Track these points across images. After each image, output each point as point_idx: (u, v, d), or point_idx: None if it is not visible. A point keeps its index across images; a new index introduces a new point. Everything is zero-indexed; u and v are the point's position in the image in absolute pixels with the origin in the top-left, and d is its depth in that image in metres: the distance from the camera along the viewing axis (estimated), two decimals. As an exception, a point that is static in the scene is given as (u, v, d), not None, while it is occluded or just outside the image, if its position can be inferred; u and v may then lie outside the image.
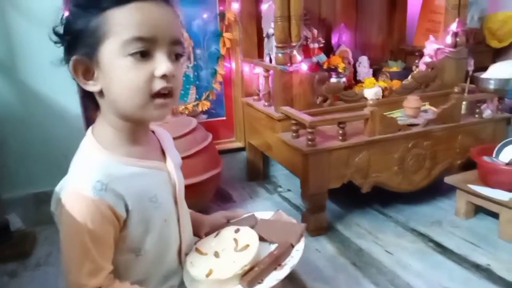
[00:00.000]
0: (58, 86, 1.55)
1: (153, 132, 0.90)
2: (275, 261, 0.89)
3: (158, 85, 0.74)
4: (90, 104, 0.82)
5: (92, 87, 0.76)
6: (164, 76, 0.73)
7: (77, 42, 0.74)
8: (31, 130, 1.62)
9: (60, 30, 0.77)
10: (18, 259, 1.45)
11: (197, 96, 1.94)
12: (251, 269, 0.86)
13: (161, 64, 0.73)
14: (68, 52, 0.76)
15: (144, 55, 0.72)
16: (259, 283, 0.85)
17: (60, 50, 0.79)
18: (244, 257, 0.88)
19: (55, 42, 0.77)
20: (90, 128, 0.83)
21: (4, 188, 1.54)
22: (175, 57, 0.77)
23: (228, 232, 0.99)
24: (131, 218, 0.79)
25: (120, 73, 0.73)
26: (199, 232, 1.01)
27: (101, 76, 0.75)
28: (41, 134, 1.63)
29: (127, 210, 0.78)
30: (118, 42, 0.72)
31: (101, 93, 0.77)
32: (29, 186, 1.64)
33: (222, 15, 1.88)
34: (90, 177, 0.75)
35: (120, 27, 0.72)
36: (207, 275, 0.86)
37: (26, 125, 1.61)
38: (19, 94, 1.59)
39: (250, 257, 0.87)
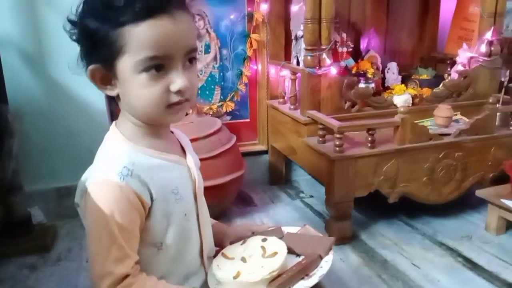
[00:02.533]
0: (84, 82, 1.53)
1: (171, 132, 0.91)
2: (303, 270, 0.87)
3: (174, 98, 0.75)
4: (113, 100, 0.83)
5: (110, 92, 0.78)
6: (179, 91, 0.74)
7: (94, 51, 0.75)
8: (56, 124, 1.63)
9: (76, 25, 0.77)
10: (38, 253, 1.45)
11: (222, 97, 1.92)
12: (279, 276, 0.85)
13: (177, 80, 0.74)
14: (86, 57, 0.77)
15: (160, 69, 0.73)
16: None
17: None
18: (273, 263, 0.87)
19: (67, 31, 0.77)
20: (114, 122, 0.84)
21: (27, 181, 1.55)
22: (190, 61, 0.78)
23: (255, 241, 0.97)
24: (154, 208, 0.79)
25: (136, 88, 0.74)
26: (223, 243, 1.00)
27: (118, 84, 0.76)
28: (65, 129, 1.64)
29: (151, 199, 0.78)
30: (133, 60, 0.72)
31: (118, 97, 0.78)
32: (52, 180, 1.65)
33: (250, 16, 1.86)
34: (117, 164, 0.76)
35: (135, 45, 0.72)
36: (235, 277, 0.85)
37: (51, 119, 1.62)
38: (46, 89, 1.60)
39: (279, 263, 0.86)
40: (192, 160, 0.89)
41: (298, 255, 0.93)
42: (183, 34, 0.75)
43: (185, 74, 0.76)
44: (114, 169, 0.75)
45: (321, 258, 0.91)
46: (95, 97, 1.61)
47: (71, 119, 1.63)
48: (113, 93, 0.78)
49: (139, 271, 0.77)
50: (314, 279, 0.86)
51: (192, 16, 0.79)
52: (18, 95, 1.52)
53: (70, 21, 0.77)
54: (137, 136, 0.81)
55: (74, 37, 0.78)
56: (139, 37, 0.72)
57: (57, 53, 1.56)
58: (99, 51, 0.74)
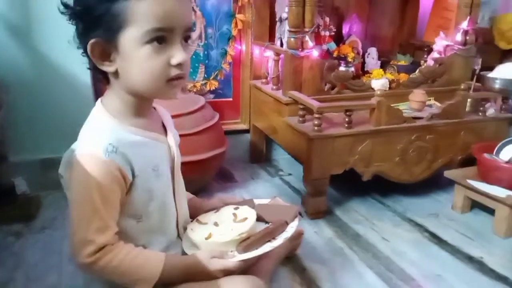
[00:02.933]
0: (70, 55, 1.54)
1: (154, 109, 0.96)
2: (270, 234, 0.97)
3: (174, 72, 0.80)
4: (101, 77, 0.87)
5: (107, 67, 0.82)
6: (179, 65, 0.80)
7: (95, 26, 0.78)
8: (41, 96, 1.64)
9: (72, 5, 0.80)
10: (23, 221, 1.48)
11: (206, 75, 1.95)
12: (248, 238, 0.93)
13: (177, 53, 0.79)
14: (84, 33, 0.80)
15: (161, 42, 0.78)
16: (255, 249, 0.92)
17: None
18: (242, 227, 0.95)
19: (62, 13, 0.81)
20: (100, 99, 0.89)
21: (12, 152, 1.56)
22: (186, 40, 0.83)
23: (228, 209, 1.06)
24: (136, 183, 0.85)
25: (140, 60, 0.78)
26: (198, 215, 1.06)
27: (119, 59, 0.81)
28: (50, 101, 1.65)
29: (133, 175, 0.84)
30: (139, 31, 0.77)
31: (115, 72, 0.82)
32: (36, 151, 1.67)
33: (236, -4, 1.89)
34: (102, 140, 0.81)
35: (142, 17, 0.76)
36: (206, 238, 0.93)
37: (37, 90, 1.63)
38: (32, 60, 1.60)
39: (248, 227, 0.95)
40: (172, 138, 0.95)
41: (267, 222, 1.02)
42: (185, 10, 0.81)
43: (184, 50, 0.81)
44: (100, 144, 0.80)
45: (287, 223, 1.01)
46: (80, 70, 1.61)
47: (56, 91, 1.64)
48: (111, 68, 0.82)
49: (118, 240, 0.83)
50: (279, 240, 0.96)
51: None
52: (3, 66, 1.53)
53: (63, 3, 0.81)
54: (122, 114, 0.86)
55: (71, 16, 0.81)
56: (146, 10, 0.76)
57: (43, 24, 1.56)
58: (101, 25, 0.78)
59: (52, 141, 1.65)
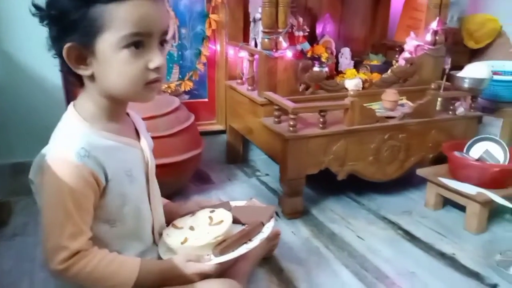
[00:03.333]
0: (41, 57, 1.51)
1: (127, 114, 0.96)
2: (246, 236, 0.97)
3: (152, 75, 0.81)
4: (74, 80, 0.86)
5: (83, 71, 0.81)
6: (157, 68, 0.80)
7: (72, 29, 0.77)
8: (11, 99, 1.60)
9: (43, 7, 0.79)
10: (-7, 228, 1.45)
11: (180, 76, 1.94)
12: (224, 241, 0.93)
13: (155, 57, 0.80)
14: (60, 36, 0.79)
15: (139, 46, 0.78)
16: (231, 252, 0.92)
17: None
18: (218, 230, 0.96)
19: (34, 15, 0.79)
20: (72, 103, 0.88)
21: (-20, 157, 1.52)
22: (162, 44, 0.83)
23: (204, 212, 1.06)
24: (109, 188, 0.84)
25: (118, 65, 0.78)
26: (174, 220, 1.06)
27: (95, 63, 0.80)
28: (21, 105, 1.61)
29: (106, 179, 0.83)
30: (117, 36, 0.77)
31: (91, 76, 0.81)
32: (6, 155, 1.63)
33: (209, -4, 1.88)
34: (74, 144, 0.80)
35: (119, 21, 0.76)
36: (182, 243, 0.93)
37: (6, 94, 1.59)
38: (1, 64, 1.56)
39: (223, 229, 0.95)
40: (145, 143, 0.95)
41: (243, 224, 1.02)
42: (161, 14, 0.81)
43: (161, 54, 0.81)
44: (72, 149, 0.79)
45: (262, 224, 1.01)
46: (51, 74, 1.59)
47: (27, 95, 1.60)
48: (86, 72, 0.81)
49: (91, 246, 0.82)
50: (255, 242, 0.96)
51: (165, 2, 0.85)
52: (-30, 69, 1.49)
53: (35, 5, 0.79)
54: (95, 118, 0.85)
55: (44, 19, 0.79)
56: (123, 14, 0.76)
57: (12, 26, 1.52)
58: (77, 30, 0.77)
59: (23, 145, 1.62)
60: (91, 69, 0.81)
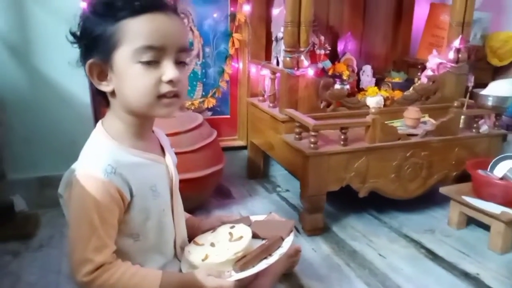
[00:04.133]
0: (69, 75, 1.57)
1: (153, 131, 0.99)
2: (266, 251, 0.98)
3: (165, 88, 0.82)
4: (101, 99, 0.90)
5: (105, 87, 0.85)
6: (170, 81, 0.82)
7: (93, 47, 0.82)
8: (39, 115, 1.66)
9: (77, 32, 0.84)
10: (20, 240, 1.48)
11: (204, 93, 1.98)
12: (244, 257, 0.94)
13: (168, 70, 0.81)
14: (85, 55, 0.84)
15: (152, 62, 0.80)
16: (251, 268, 0.93)
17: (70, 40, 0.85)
18: (238, 246, 0.96)
19: (72, 43, 0.85)
20: (100, 121, 0.91)
21: (10, 170, 1.57)
22: (181, 63, 0.85)
23: (224, 228, 1.07)
24: (134, 203, 0.86)
25: (131, 78, 0.81)
26: (196, 235, 1.08)
27: (114, 78, 0.83)
28: (49, 120, 1.67)
29: (131, 195, 0.85)
30: (130, 49, 0.79)
31: (113, 92, 0.85)
32: (34, 169, 1.68)
33: (233, 16, 1.92)
34: (101, 161, 0.83)
35: (132, 36, 0.79)
36: (203, 260, 0.94)
37: (35, 109, 1.65)
38: (31, 80, 1.62)
39: (243, 245, 0.96)
40: (170, 159, 0.97)
41: (263, 239, 1.03)
42: (176, 30, 0.83)
43: (177, 69, 0.83)
44: (99, 165, 0.82)
45: (282, 239, 1.01)
46: (79, 90, 1.65)
47: (54, 111, 1.66)
48: (108, 88, 0.85)
49: (115, 259, 0.84)
50: (274, 257, 0.97)
51: (184, 22, 0.87)
52: (2, 85, 1.55)
53: (71, 33, 0.84)
54: (121, 136, 0.88)
55: (75, 41, 0.84)
56: (137, 28, 0.79)
57: (42, 44, 1.59)
58: (98, 46, 0.81)
59: (50, 159, 1.67)
60: (112, 85, 0.84)
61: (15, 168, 1.62)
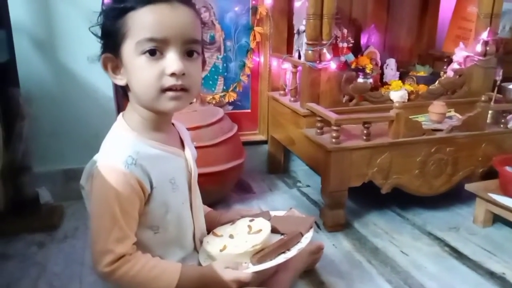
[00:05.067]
0: (93, 69, 1.59)
1: (173, 124, 0.99)
2: (284, 245, 0.97)
3: (168, 82, 0.81)
4: (122, 92, 0.91)
5: (119, 81, 0.87)
6: (173, 74, 0.80)
7: (107, 41, 0.84)
8: (64, 108, 1.68)
9: (96, 29, 0.86)
10: (46, 231, 1.52)
11: (225, 87, 1.98)
12: (262, 250, 0.93)
13: (171, 63, 0.80)
14: (102, 48, 0.86)
15: (154, 53, 0.80)
16: (269, 261, 0.93)
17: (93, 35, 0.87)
18: (256, 238, 0.96)
19: (96, 37, 0.87)
20: (121, 113, 0.93)
21: (35, 162, 1.60)
22: (190, 54, 0.83)
23: (243, 221, 1.07)
24: (154, 195, 0.87)
25: (136, 71, 0.81)
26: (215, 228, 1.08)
27: (125, 72, 0.84)
28: (73, 113, 1.69)
29: (151, 186, 0.86)
30: (134, 42, 0.80)
31: (127, 86, 0.86)
32: (59, 162, 1.71)
33: (254, 9, 1.91)
34: (122, 153, 0.84)
35: (136, 28, 0.80)
36: (221, 250, 0.94)
37: (60, 103, 1.68)
38: (56, 74, 1.65)
39: (262, 238, 0.96)
40: (189, 153, 0.98)
41: (282, 234, 1.02)
42: (180, 22, 0.81)
43: (183, 62, 0.82)
44: (120, 157, 0.83)
45: (301, 235, 1.01)
46: (102, 84, 1.67)
47: (79, 104, 1.69)
48: (121, 82, 0.86)
49: (135, 250, 0.85)
50: (293, 252, 0.96)
51: (197, 13, 0.86)
52: (29, 79, 1.57)
53: (91, 28, 0.87)
54: (141, 128, 0.88)
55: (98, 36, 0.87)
56: (139, 20, 0.80)
57: (67, 39, 1.61)
58: (109, 40, 0.83)
59: (75, 152, 1.70)
60: (125, 79, 0.85)
61: (40, 161, 1.65)
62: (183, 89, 0.83)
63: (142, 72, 0.81)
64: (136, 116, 0.89)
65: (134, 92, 0.85)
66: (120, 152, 0.84)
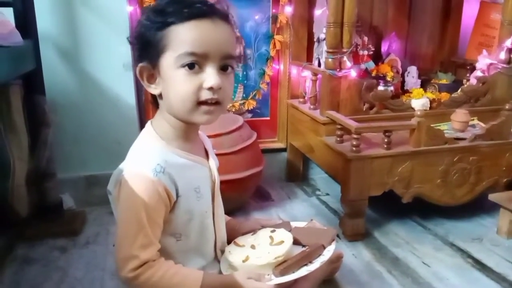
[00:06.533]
0: (116, 78, 1.65)
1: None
2: (306, 258, 0.97)
3: (205, 95, 0.83)
4: (152, 100, 0.93)
5: (153, 90, 0.88)
6: (210, 88, 0.82)
7: (145, 51, 0.85)
8: (87, 116, 1.72)
9: (133, 37, 0.89)
10: (68, 236, 1.54)
11: (244, 95, 1.99)
12: (284, 262, 0.93)
13: (210, 77, 0.82)
14: (137, 58, 0.88)
15: (193, 67, 0.81)
16: (291, 273, 0.92)
17: (118, 43, 0.89)
18: (279, 250, 0.96)
19: (131, 45, 0.90)
20: (150, 121, 0.94)
21: (59, 168, 1.64)
22: (225, 69, 0.85)
23: (264, 232, 1.07)
24: (179, 203, 0.88)
25: (174, 83, 0.83)
26: (235, 237, 1.08)
27: (161, 82, 0.86)
28: (95, 121, 1.73)
29: (177, 195, 0.87)
30: (174, 55, 0.81)
31: (160, 95, 0.88)
32: (81, 168, 1.75)
33: (274, 18, 1.92)
34: (151, 160, 0.85)
35: (177, 42, 0.81)
36: (244, 261, 0.94)
37: (83, 111, 1.71)
38: (80, 82, 1.69)
39: (284, 250, 0.95)
40: (213, 163, 0.99)
41: (304, 246, 1.02)
42: (220, 38, 0.83)
43: (219, 77, 0.84)
44: (149, 165, 0.84)
45: (323, 247, 1.00)
46: (125, 92, 1.69)
47: (101, 112, 1.72)
48: (156, 91, 0.88)
49: (159, 257, 0.86)
50: (315, 264, 0.95)
51: (233, 30, 0.88)
52: (54, 87, 1.61)
53: (128, 38, 0.90)
54: (169, 136, 0.90)
55: (132, 44, 0.89)
56: (181, 35, 0.81)
57: (91, 48, 1.64)
58: (148, 51, 0.85)
59: (96, 159, 1.73)
60: (159, 88, 0.87)
61: (63, 167, 1.69)
62: (217, 102, 0.85)
63: (180, 84, 0.82)
64: (165, 124, 0.90)
65: (169, 102, 0.86)
66: (149, 160, 0.85)
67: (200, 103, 0.84)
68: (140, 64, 0.86)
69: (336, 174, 1.65)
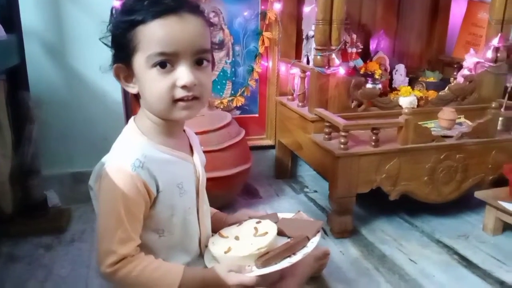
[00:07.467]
0: (102, 74, 1.61)
1: (183, 130, 1.00)
2: (290, 249, 0.96)
3: (180, 93, 0.83)
4: (134, 98, 0.92)
5: (131, 89, 0.88)
6: (184, 87, 0.82)
7: (118, 52, 0.85)
8: (73, 112, 1.69)
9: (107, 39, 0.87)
10: (53, 234, 1.52)
11: (233, 92, 1.98)
12: (267, 253, 0.92)
13: (182, 75, 0.81)
14: (113, 57, 0.87)
15: (164, 66, 0.81)
16: (273, 265, 0.91)
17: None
18: (262, 241, 0.95)
19: (107, 46, 0.88)
20: (133, 117, 0.94)
21: (44, 165, 1.61)
22: (200, 63, 0.84)
23: (250, 223, 1.07)
24: (160, 198, 0.88)
25: (148, 83, 0.82)
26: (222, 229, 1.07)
27: (136, 81, 0.86)
28: (82, 117, 1.70)
29: (157, 190, 0.87)
30: (144, 56, 0.81)
31: (139, 94, 0.88)
32: (67, 165, 1.72)
33: (263, 14, 1.91)
34: (131, 155, 0.85)
35: (146, 42, 0.81)
36: (226, 252, 0.93)
37: (69, 107, 1.69)
38: (65, 78, 1.66)
39: (267, 241, 0.95)
40: (198, 159, 0.98)
41: (289, 237, 1.01)
42: (190, 33, 0.82)
43: (194, 72, 0.83)
44: (128, 159, 0.84)
45: (308, 239, 0.99)
46: (111, 88, 1.68)
47: (87, 108, 1.70)
48: (133, 90, 0.87)
49: (139, 252, 0.86)
50: (298, 256, 0.95)
51: (205, 21, 0.86)
52: (39, 83, 1.58)
53: (101, 38, 0.88)
54: (152, 132, 0.89)
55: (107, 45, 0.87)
56: (149, 35, 0.80)
57: (77, 44, 1.62)
58: (120, 52, 0.84)
59: (83, 155, 1.71)
60: (137, 87, 0.86)
61: (49, 164, 1.66)
62: (195, 97, 0.84)
63: (153, 84, 0.82)
64: (147, 121, 0.90)
65: (146, 101, 0.86)
66: (129, 155, 0.85)
67: (176, 100, 0.83)
68: (115, 65, 0.85)
69: (324, 171, 1.65)
